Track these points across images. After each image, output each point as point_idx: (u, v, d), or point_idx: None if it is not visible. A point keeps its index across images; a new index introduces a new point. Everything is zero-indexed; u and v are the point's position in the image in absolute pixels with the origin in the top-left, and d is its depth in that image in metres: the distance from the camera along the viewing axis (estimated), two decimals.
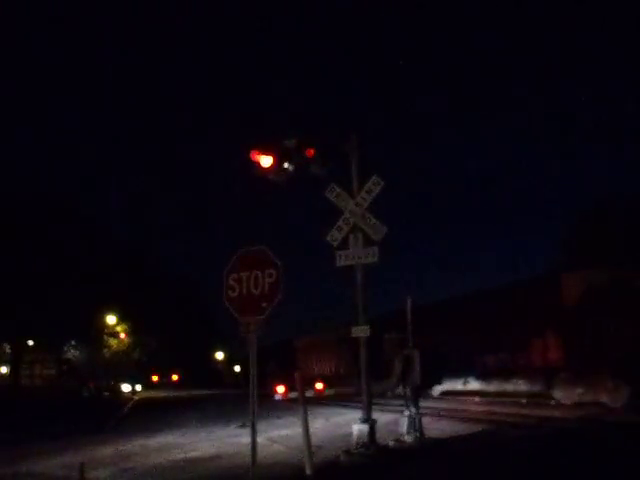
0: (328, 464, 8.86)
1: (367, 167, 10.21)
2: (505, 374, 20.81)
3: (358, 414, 9.95)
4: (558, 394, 17.15)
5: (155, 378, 76.75)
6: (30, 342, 43.80)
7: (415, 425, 10.39)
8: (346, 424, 12.25)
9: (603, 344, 16.05)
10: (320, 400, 27.86)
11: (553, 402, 17.10)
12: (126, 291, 47.61)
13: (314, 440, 8.90)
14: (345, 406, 21.37)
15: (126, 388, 53.58)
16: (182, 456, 11.26)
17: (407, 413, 10.48)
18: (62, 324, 40.66)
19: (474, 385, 22.49)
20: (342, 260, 10.04)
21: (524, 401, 17.99)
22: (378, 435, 9.65)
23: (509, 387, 19.41)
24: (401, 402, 14.67)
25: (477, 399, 20.75)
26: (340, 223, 10.09)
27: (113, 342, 54.07)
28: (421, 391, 11.20)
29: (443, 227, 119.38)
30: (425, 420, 11.20)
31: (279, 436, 12.93)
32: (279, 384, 32.75)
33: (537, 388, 18.26)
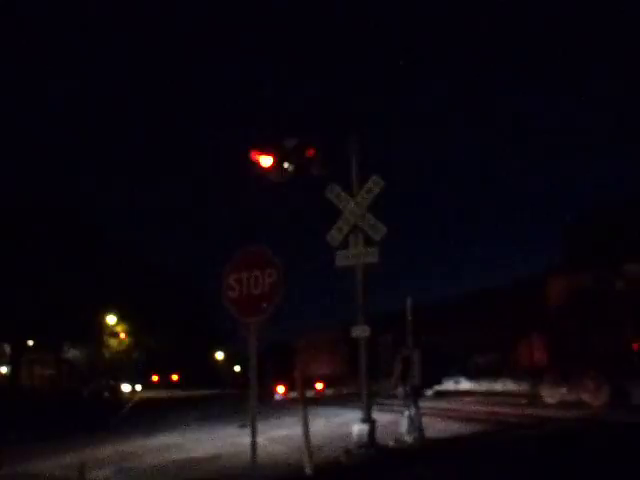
0: (328, 464, 8.86)
1: (367, 167, 10.21)
2: (494, 374, 21.52)
3: (358, 414, 9.95)
4: (544, 393, 17.67)
5: (155, 378, 76.76)
6: (30, 342, 43.78)
7: (415, 425, 10.39)
8: (346, 424, 12.24)
9: (586, 345, 16.56)
10: (320, 400, 27.87)
11: (539, 401, 17.59)
12: (126, 291, 47.61)
13: (314, 440, 8.90)
14: (345, 406, 21.38)
15: (126, 388, 53.58)
16: (182, 456, 11.27)
17: (407, 413, 10.48)
18: (62, 324, 40.63)
19: (465, 385, 22.95)
20: (342, 260, 10.04)
21: (523, 401, 18.34)
22: (378, 435, 9.65)
23: (498, 387, 20.24)
24: (395, 402, 14.75)
25: (468, 399, 20.94)
26: (340, 223, 10.08)
27: (113, 342, 54.06)
28: (420, 391, 11.20)
29: (443, 227, 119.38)
30: (425, 420, 11.20)
31: (279, 436, 12.93)
32: (279, 384, 32.77)
33: (524, 388, 18.89)
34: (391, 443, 10.17)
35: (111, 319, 50.88)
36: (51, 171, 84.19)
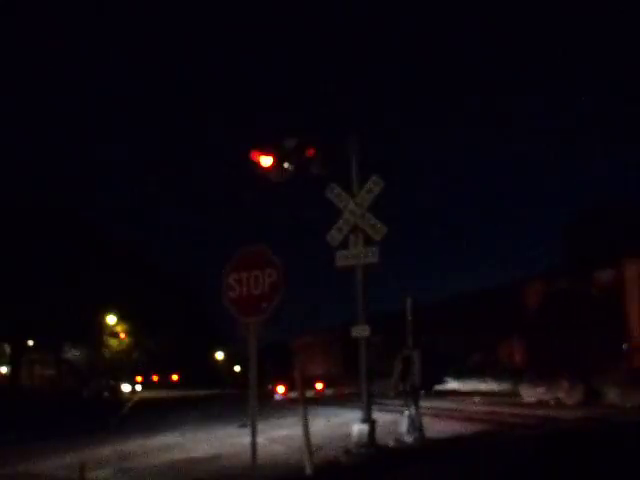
0: (328, 464, 8.85)
1: (367, 167, 10.21)
2: (479, 374, 22.74)
3: (358, 414, 9.94)
4: (523, 393, 18.77)
5: (155, 378, 76.73)
6: (30, 342, 43.79)
7: (415, 425, 10.38)
8: (346, 424, 12.23)
9: (561, 347, 17.36)
10: (320, 400, 27.87)
11: (518, 400, 18.73)
12: (126, 291, 47.63)
13: (314, 440, 8.89)
14: (344, 406, 21.37)
15: (126, 388, 53.57)
16: (182, 456, 11.26)
17: (407, 413, 10.47)
18: (62, 324, 40.64)
19: (452, 385, 23.67)
20: (342, 260, 10.03)
21: (511, 399, 19.34)
22: (378, 435, 9.64)
23: (482, 386, 21.58)
24: (394, 402, 14.76)
25: (452, 398, 21.60)
26: (340, 223, 10.08)
27: (113, 342, 54.07)
28: (419, 391, 11.18)
29: (443, 227, 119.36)
30: (425, 420, 11.19)
31: (279, 436, 12.93)
32: (279, 384, 32.78)
33: (506, 387, 20.25)
34: (391, 443, 10.16)
35: (111, 319, 50.90)
36: (51, 171, 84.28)
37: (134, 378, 60.81)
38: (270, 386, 33.79)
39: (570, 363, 16.95)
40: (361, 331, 9.78)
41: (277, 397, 31.84)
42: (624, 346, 15.60)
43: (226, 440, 13.30)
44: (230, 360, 78.45)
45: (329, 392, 34.75)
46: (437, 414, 15.38)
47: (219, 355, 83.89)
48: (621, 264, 15.90)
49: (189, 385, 68.73)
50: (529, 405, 17.32)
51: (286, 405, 24.34)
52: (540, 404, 17.25)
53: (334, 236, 10.10)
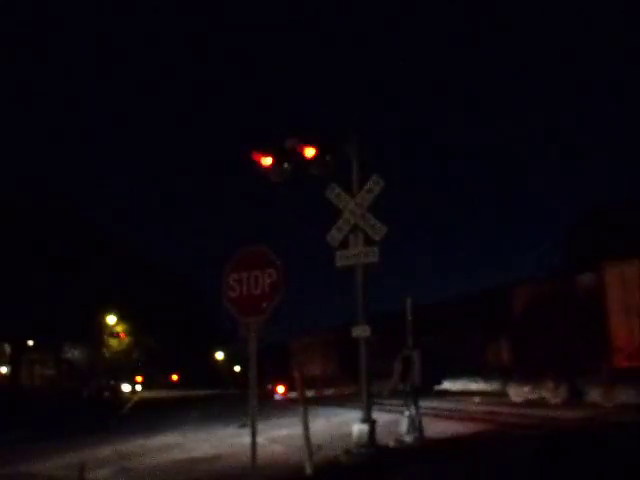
0: (328, 464, 8.85)
1: (367, 167, 10.20)
2: (469, 374, 23.21)
3: (358, 414, 9.94)
4: (511, 392, 19.36)
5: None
6: (30, 342, 43.78)
7: (415, 425, 10.38)
8: (346, 424, 12.23)
9: (546, 348, 17.95)
10: (320, 400, 27.87)
11: (507, 399, 19.28)
12: (126, 291, 47.62)
13: (314, 440, 8.89)
14: (344, 406, 21.38)
15: (126, 388, 53.56)
16: (182, 456, 11.27)
17: (407, 413, 10.47)
18: (62, 324, 40.63)
19: (444, 385, 24.09)
20: (342, 260, 10.03)
21: (477, 399, 20.40)
22: (378, 435, 9.64)
23: (472, 386, 22.13)
24: (388, 402, 14.76)
25: (448, 398, 21.92)
26: (340, 223, 10.07)
27: (113, 342, 54.06)
28: (419, 391, 11.17)
29: (443, 227, 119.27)
30: (425, 420, 11.19)
31: (279, 436, 12.93)
32: (279, 384, 32.78)
33: (495, 387, 20.84)
34: (391, 443, 10.16)
35: (111, 319, 50.88)
36: (51, 171, 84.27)
37: (134, 378, 60.83)
38: (270, 386, 33.79)
39: (555, 363, 17.50)
40: (361, 331, 9.77)
41: (277, 397, 31.84)
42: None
43: (226, 440, 13.31)
44: (230, 360, 78.44)
45: (329, 392, 34.72)
46: (437, 414, 15.40)
47: (219, 355, 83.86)
48: (602, 268, 16.38)
49: (189, 385, 68.70)
50: (524, 405, 17.57)
51: (286, 405, 24.32)
52: (528, 403, 17.71)
53: (334, 236, 10.09)
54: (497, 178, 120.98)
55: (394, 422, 11.58)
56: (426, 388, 11.54)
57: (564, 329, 17.40)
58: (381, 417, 11.51)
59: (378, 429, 9.70)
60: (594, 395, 16.16)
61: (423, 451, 9.74)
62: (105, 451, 12.64)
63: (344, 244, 10.05)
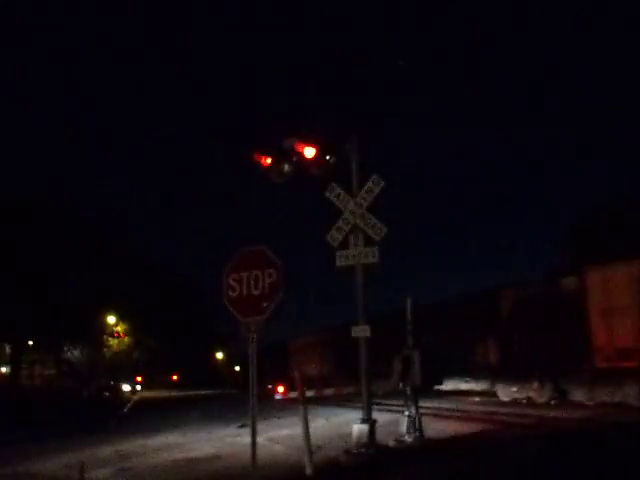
0: (328, 464, 8.86)
1: (367, 167, 10.20)
2: (459, 374, 23.54)
3: (358, 414, 9.94)
4: (499, 392, 20.06)
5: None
6: (30, 342, 43.77)
7: (415, 425, 10.38)
8: (346, 424, 12.24)
9: (531, 349, 18.69)
10: (320, 400, 27.87)
11: (478, 399, 20.36)
12: (126, 291, 47.59)
13: (314, 440, 8.90)
14: (344, 406, 21.39)
15: (126, 388, 53.57)
16: (182, 456, 11.26)
17: (407, 413, 10.47)
18: (62, 324, 40.62)
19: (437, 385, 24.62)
20: (342, 260, 10.03)
21: (477, 399, 20.96)
22: (378, 435, 9.64)
23: (463, 386, 22.48)
24: (387, 402, 14.71)
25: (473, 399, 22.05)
26: (340, 223, 10.07)
27: (113, 342, 54.05)
28: (419, 391, 11.16)
29: (443, 227, 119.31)
30: (425, 420, 11.19)
31: (279, 436, 12.93)
32: (279, 384, 32.78)
33: (484, 387, 21.32)
34: (391, 443, 10.16)
35: (111, 319, 50.87)
36: (51, 171, 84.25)
37: (134, 378, 60.84)
38: (270, 386, 33.78)
39: (539, 364, 18.17)
40: (361, 331, 9.77)
41: (277, 397, 31.83)
42: None
43: (226, 440, 13.31)
44: (230, 360, 78.44)
45: (329, 392, 34.69)
46: (436, 414, 15.41)
47: (219, 355, 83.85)
48: (584, 272, 17.01)
49: (189, 385, 68.74)
50: (516, 405, 17.86)
51: (286, 405, 24.33)
52: (516, 403, 18.41)
53: (334, 236, 10.10)
54: (497, 178, 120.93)
55: (394, 422, 11.58)
56: (426, 388, 11.52)
57: (548, 331, 18.04)
58: (381, 417, 11.51)
59: (378, 429, 9.71)
60: (577, 394, 16.83)
61: (423, 451, 9.74)
62: (105, 451, 12.64)
63: (344, 244, 10.05)
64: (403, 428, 10.43)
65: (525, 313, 19.17)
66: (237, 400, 26.98)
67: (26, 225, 38.64)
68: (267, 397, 30.06)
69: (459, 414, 16.06)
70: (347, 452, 9.32)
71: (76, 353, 51.06)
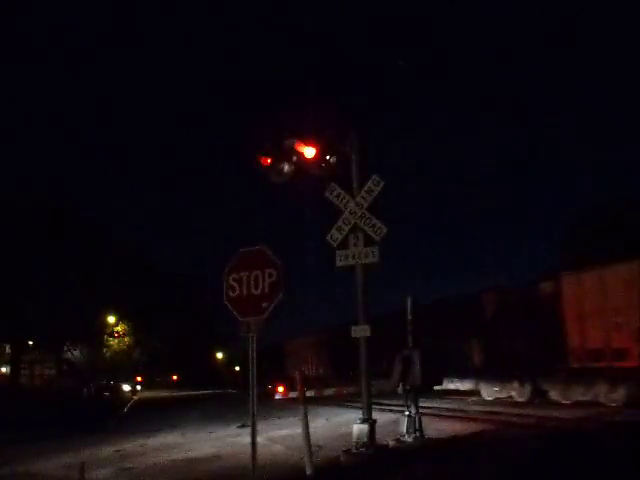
0: (328, 464, 8.86)
1: (367, 167, 10.19)
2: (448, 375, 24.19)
3: (357, 414, 9.94)
4: (483, 392, 20.98)
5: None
6: (30, 342, 43.76)
7: (415, 425, 10.37)
8: (346, 424, 12.25)
9: (512, 349, 19.47)
10: (320, 400, 27.88)
11: (476, 398, 20.90)
12: (126, 291, 47.57)
13: (314, 440, 8.90)
14: (344, 406, 21.40)
15: (126, 388, 53.58)
16: (182, 456, 11.27)
17: (407, 413, 10.47)
18: (62, 324, 40.60)
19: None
20: (342, 260, 10.03)
21: (470, 399, 21.31)
22: (378, 435, 9.64)
23: (451, 386, 23.08)
24: (387, 402, 14.65)
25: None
26: (340, 223, 10.07)
27: (113, 342, 54.03)
28: (418, 391, 11.15)
29: (443, 227, 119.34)
30: (425, 420, 11.19)
31: (279, 436, 12.94)
32: (278, 384, 32.80)
33: (469, 387, 22.14)
34: (391, 443, 10.16)
35: (111, 319, 50.86)
36: (51, 171, 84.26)
37: (134, 378, 60.84)
38: (270, 386, 33.80)
39: (519, 364, 19.03)
40: (362, 331, 9.77)
41: (277, 397, 31.85)
42: None
43: (226, 440, 13.32)
44: (230, 360, 78.43)
45: (329, 392, 34.70)
46: (436, 414, 15.42)
47: (219, 355, 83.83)
48: (559, 278, 17.95)
49: (189, 385, 68.73)
50: (519, 405, 18.02)
51: (286, 405, 24.34)
52: (499, 402, 19.22)
53: (334, 236, 10.09)
54: (497, 178, 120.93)
55: (394, 422, 11.58)
56: (426, 388, 11.51)
57: (527, 333, 18.97)
58: (381, 417, 11.52)
59: (378, 429, 9.70)
60: (554, 394, 17.73)
61: (423, 451, 9.74)
62: (105, 451, 12.65)
63: (344, 244, 10.05)
64: (403, 428, 10.42)
65: (507, 316, 20.14)
66: (237, 400, 27.02)
67: (26, 225, 38.63)
68: (267, 397, 30.09)
69: (462, 414, 16.08)
70: (347, 452, 9.32)
71: (76, 353, 51.03)
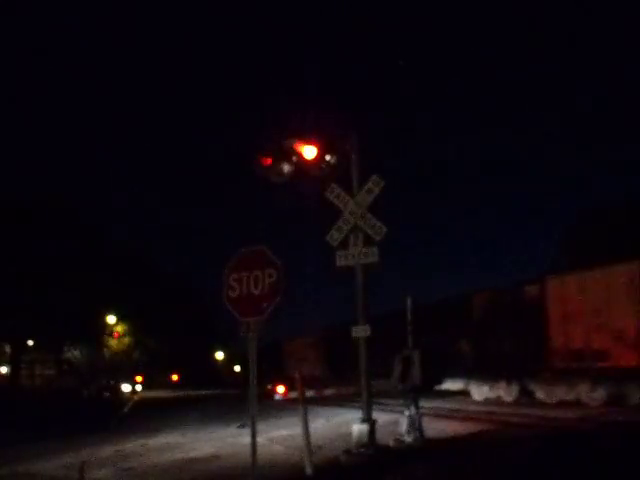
0: (328, 464, 8.86)
1: (367, 167, 10.19)
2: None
3: (358, 414, 9.94)
4: (473, 392, 21.23)
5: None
6: (30, 342, 43.80)
7: (415, 425, 10.37)
8: (346, 424, 12.24)
9: (500, 350, 19.78)
10: (320, 400, 27.89)
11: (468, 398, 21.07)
12: (126, 291, 47.61)
13: (314, 440, 8.90)
14: (344, 406, 21.40)
15: (126, 388, 53.58)
16: (182, 456, 11.27)
17: (407, 413, 10.47)
18: (62, 324, 40.64)
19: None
20: (342, 260, 10.03)
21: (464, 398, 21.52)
22: (378, 435, 9.64)
23: (442, 386, 23.08)
24: (387, 402, 14.62)
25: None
26: (340, 223, 10.07)
27: (113, 342, 54.06)
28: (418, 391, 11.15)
29: (443, 227, 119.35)
30: (425, 420, 11.19)
31: (279, 436, 12.94)
32: (278, 384, 32.78)
33: (459, 387, 22.33)
34: (391, 443, 10.16)
35: (111, 319, 50.88)
36: (51, 171, 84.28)
37: (134, 378, 60.86)
38: (270, 386, 33.79)
39: (507, 365, 19.38)
40: (362, 331, 9.77)
41: (277, 397, 31.85)
42: None
43: (226, 440, 13.32)
44: (230, 360, 78.39)
45: (329, 392, 34.70)
46: (436, 414, 15.42)
47: (219, 355, 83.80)
48: (544, 281, 18.40)
49: (189, 385, 68.71)
50: (518, 405, 18.17)
51: (286, 405, 24.34)
52: (488, 402, 19.60)
53: (334, 236, 10.10)
54: (497, 178, 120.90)
55: (394, 422, 11.58)
56: (426, 388, 11.52)
57: (514, 334, 19.35)
58: (381, 417, 11.51)
59: (378, 429, 9.71)
60: (539, 393, 18.13)
61: (423, 451, 9.74)
62: (105, 451, 12.65)
63: (344, 244, 10.05)
64: (403, 428, 10.43)
65: (495, 317, 20.58)
66: (237, 400, 26.99)
67: (26, 225, 38.66)
68: (267, 397, 30.10)
69: (462, 414, 16.09)
70: (347, 452, 9.32)
71: (76, 353, 51.10)
